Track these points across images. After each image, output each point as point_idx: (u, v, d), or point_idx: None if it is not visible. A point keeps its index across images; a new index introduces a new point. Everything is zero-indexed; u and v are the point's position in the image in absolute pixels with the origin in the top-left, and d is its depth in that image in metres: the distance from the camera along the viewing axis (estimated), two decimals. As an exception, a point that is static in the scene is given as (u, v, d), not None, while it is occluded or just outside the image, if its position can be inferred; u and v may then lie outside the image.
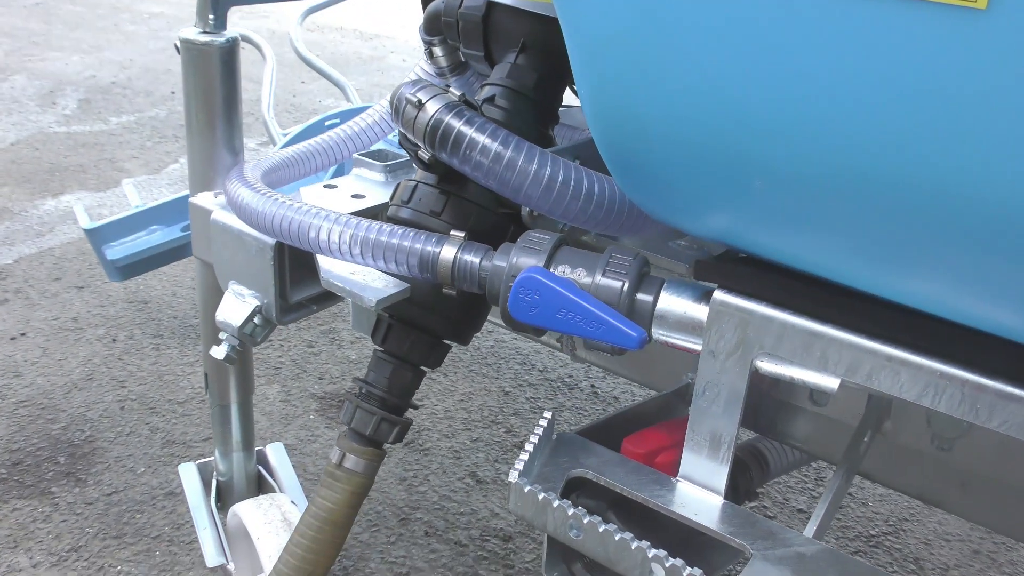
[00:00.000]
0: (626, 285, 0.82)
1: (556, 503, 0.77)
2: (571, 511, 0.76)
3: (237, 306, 1.10)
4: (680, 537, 0.86)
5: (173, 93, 4.24)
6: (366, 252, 0.92)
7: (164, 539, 1.59)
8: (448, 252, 0.89)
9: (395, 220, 1.02)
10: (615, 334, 0.76)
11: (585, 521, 0.75)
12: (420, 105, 0.87)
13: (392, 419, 1.03)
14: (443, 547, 1.65)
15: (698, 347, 0.82)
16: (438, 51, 1.19)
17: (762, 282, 0.77)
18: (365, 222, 0.93)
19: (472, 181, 0.91)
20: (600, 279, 0.82)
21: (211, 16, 1.10)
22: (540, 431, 0.86)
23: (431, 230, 0.98)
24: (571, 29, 0.72)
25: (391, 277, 0.97)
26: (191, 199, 1.18)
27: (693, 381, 1.17)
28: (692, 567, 0.72)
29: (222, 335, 1.13)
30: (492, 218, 0.99)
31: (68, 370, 2.08)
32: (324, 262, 0.99)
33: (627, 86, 0.70)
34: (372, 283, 0.96)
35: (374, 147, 1.30)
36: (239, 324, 1.09)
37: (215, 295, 1.24)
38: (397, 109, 0.89)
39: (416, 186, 1.00)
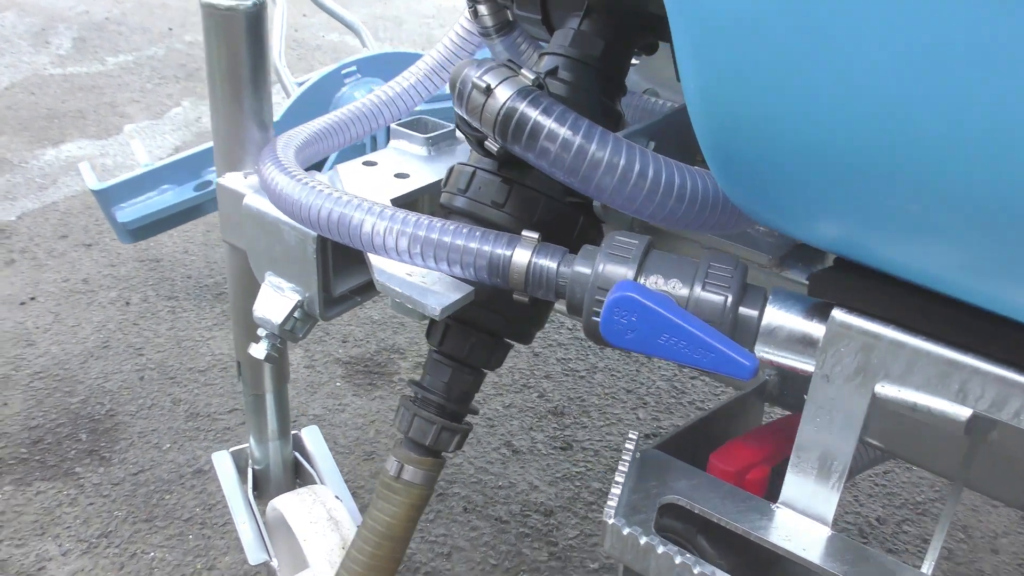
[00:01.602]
0: (729, 300, 0.72)
1: (661, 549, 0.69)
2: (678, 559, 0.69)
3: (277, 301, 1.01)
4: (767, 555, 0.79)
5: (171, 29, 4.05)
6: (427, 254, 0.82)
7: (196, 521, 1.54)
8: (522, 256, 0.80)
9: (450, 210, 0.92)
10: (725, 363, 0.67)
11: (696, 572, 0.68)
12: (489, 91, 0.76)
13: (453, 427, 0.95)
14: (483, 524, 1.60)
15: (808, 368, 0.73)
16: (483, 10, 1.07)
17: (891, 302, 0.67)
18: (424, 220, 0.83)
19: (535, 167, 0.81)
20: (700, 293, 0.73)
21: (236, -23, 0.98)
22: (627, 459, 0.78)
23: (493, 223, 0.89)
24: (683, 16, 0.61)
25: (451, 277, 0.87)
26: (219, 180, 1.08)
27: (771, 379, 1.09)
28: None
29: (261, 332, 1.04)
30: (559, 208, 0.89)
31: (82, 337, 2.00)
32: (376, 261, 0.89)
33: (752, 84, 0.60)
34: (432, 286, 0.86)
35: (412, 116, 1.19)
36: (280, 321, 1.00)
37: (247, 280, 1.15)
38: (461, 94, 0.78)
39: (474, 173, 0.90)
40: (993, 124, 0.51)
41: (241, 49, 1.00)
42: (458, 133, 1.18)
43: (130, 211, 1.91)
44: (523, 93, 0.76)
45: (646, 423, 1.88)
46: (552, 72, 0.91)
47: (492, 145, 0.79)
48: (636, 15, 0.92)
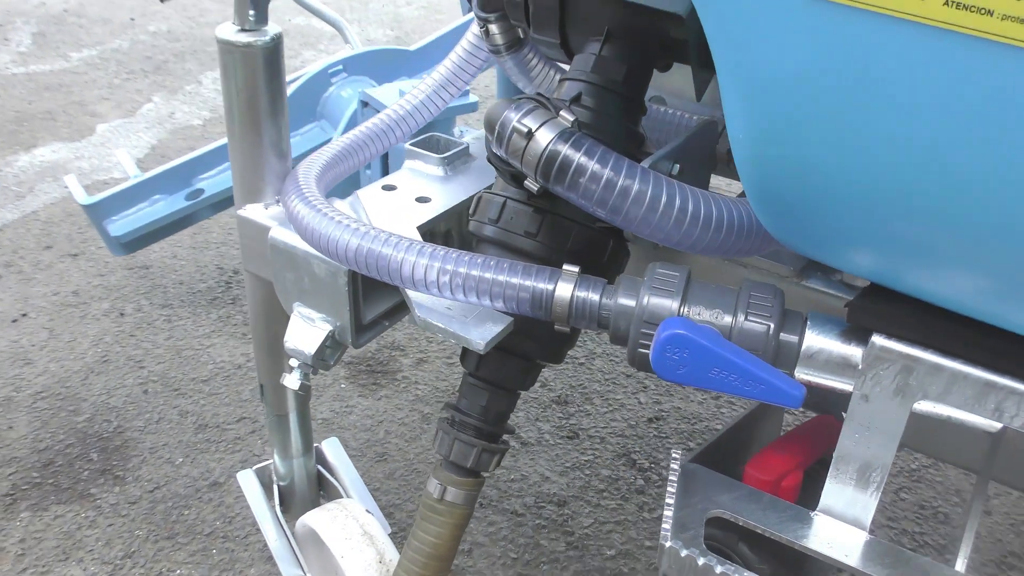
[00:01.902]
0: (772, 328, 0.76)
1: (719, 569, 0.73)
2: (735, 579, 0.73)
3: (308, 332, 1.03)
4: (800, 555, 0.84)
5: (133, 20, 3.96)
6: (469, 290, 0.84)
7: (218, 535, 1.56)
8: (564, 290, 0.82)
9: (480, 238, 0.94)
10: (775, 394, 0.71)
11: (753, 592, 0.72)
12: (530, 135, 0.78)
13: (492, 448, 0.98)
14: (500, 518, 1.63)
15: (848, 388, 0.77)
16: (495, 28, 1.07)
17: (927, 328, 0.71)
18: (464, 256, 0.85)
19: None
20: (744, 323, 0.76)
21: (251, 12, 0.98)
22: (675, 479, 0.82)
23: (525, 252, 0.91)
24: (734, 76, 0.64)
25: (483, 305, 0.89)
26: (239, 212, 1.08)
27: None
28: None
29: (293, 362, 1.05)
30: (590, 235, 0.92)
31: (80, 352, 1.99)
32: (415, 296, 0.91)
33: (797, 136, 0.63)
34: (471, 319, 0.88)
35: (425, 135, 1.20)
36: (313, 352, 1.02)
37: (269, 307, 1.16)
38: (501, 136, 0.80)
39: (505, 203, 0.91)
40: (1008, 172, 0.55)
41: (259, 83, 1.01)
42: (472, 151, 1.19)
43: (122, 224, 1.90)
44: (564, 136, 0.78)
45: (647, 407, 1.93)
46: (576, 99, 0.92)
47: (532, 185, 0.81)
48: (656, 39, 0.93)
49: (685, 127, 1.13)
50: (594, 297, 0.82)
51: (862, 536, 0.81)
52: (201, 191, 1.93)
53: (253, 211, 1.07)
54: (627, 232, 0.91)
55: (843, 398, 0.78)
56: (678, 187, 0.77)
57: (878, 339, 0.73)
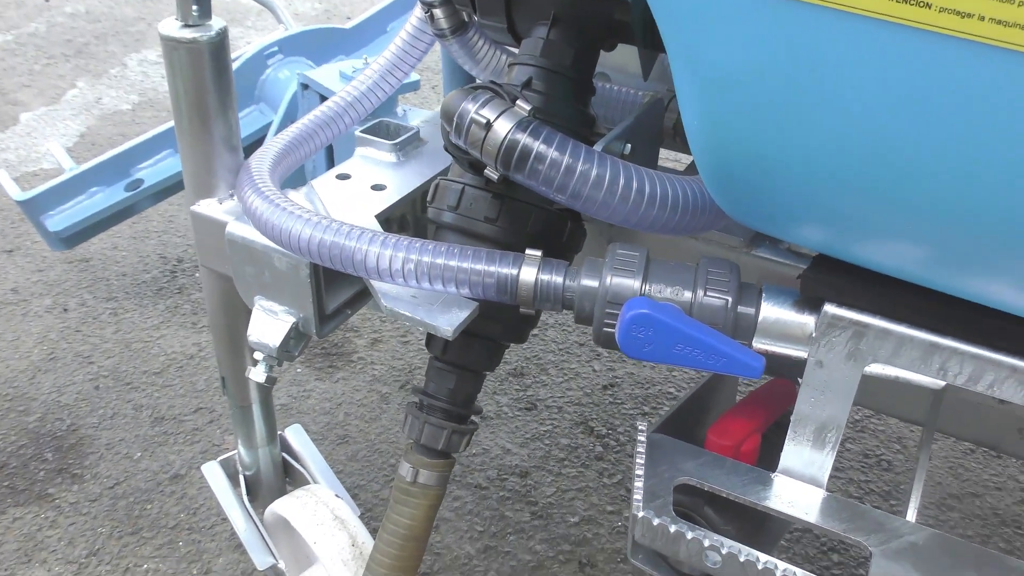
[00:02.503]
0: (730, 302, 0.79)
1: (690, 535, 0.77)
2: (707, 541, 0.76)
3: (271, 325, 1.03)
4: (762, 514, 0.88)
5: (47, 0, 3.81)
6: (435, 278, 0.86)
7: (183, 527, 1.55)
8: (528, 274, 0.84)
9: (439, 225, 0.96)
10: (737, 366, 0.74)
11: (724, 552, 0.76)
12: (489, 125, 0.79)
13: (462, 429, 1.00)
14: (464, 492, 1.66)
15: (802, 354, 0.81)
16: (439, 13, 1.08)
17: (876, 296, 0.75)
18: (429, 245, 0.86)
19: None
20: (703, 298, 0.79)
21: (195, 7, 0.96)
22: (642, 451, 0.85)
23: (485, 237, 0.92)
24: (689, 71, 0.66)
25: (449, 292, 0.91)
26: (193, 208, 1.07)
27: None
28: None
29: (258, 355, 1.05)
30: (549, 217, 0.94)
31: (25, 351, 1.94)
32: (380, 286, 0.92)
33: (750, 125, 0.65)
34: (437, 306, 0.90)
35: (374, 121, 1.20)
36: (278, 344, 1.02)
37: (227, 301, 1.16)
38: (460, 127, 0.81)
39: (464, 190, 0.93)
40: (939, 148, 0.59)
41: (207, 79, 0.99)
42: (423, 135, 1.19)
43: (60, 219, 1.86)
44: (522, 125, 0.79)
45: (602, 374, 1.97)
46: (527, 83, 0.94)
47: (492, 173, 0.82)
48: (602, 21, 0.95)
49: (631, 104, 1.15)
50: (558, 280, 0.84)
51: (820, 494, 0.85)
52: (140, 181, 1.89)
53: (207, 207, 1.06)
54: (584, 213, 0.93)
55: (797, 365, 0.82)
56: (635, 170, 0.80)
57: (830, 308, 0.77)
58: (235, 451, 1.37)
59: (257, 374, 1.06)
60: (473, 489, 1.67)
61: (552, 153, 0.78)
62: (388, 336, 2.06)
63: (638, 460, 0.84)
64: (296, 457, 1.41)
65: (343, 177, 1.10)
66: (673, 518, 0.79)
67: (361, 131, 1.17)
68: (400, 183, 1.10)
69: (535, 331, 2.10)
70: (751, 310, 0.80)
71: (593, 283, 0.82)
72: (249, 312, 1.20)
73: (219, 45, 0.99)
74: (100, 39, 3.50)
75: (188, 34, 0.97)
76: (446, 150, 0.91)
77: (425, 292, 0.92)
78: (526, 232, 0.92)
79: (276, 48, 1.99)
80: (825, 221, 0.71)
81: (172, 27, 0.97)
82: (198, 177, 1.07)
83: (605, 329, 0.81)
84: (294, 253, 0.93)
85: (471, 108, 0.80)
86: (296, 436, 1.43)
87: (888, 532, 0.82)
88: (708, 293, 0.79)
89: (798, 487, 0.86)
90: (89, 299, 2.12)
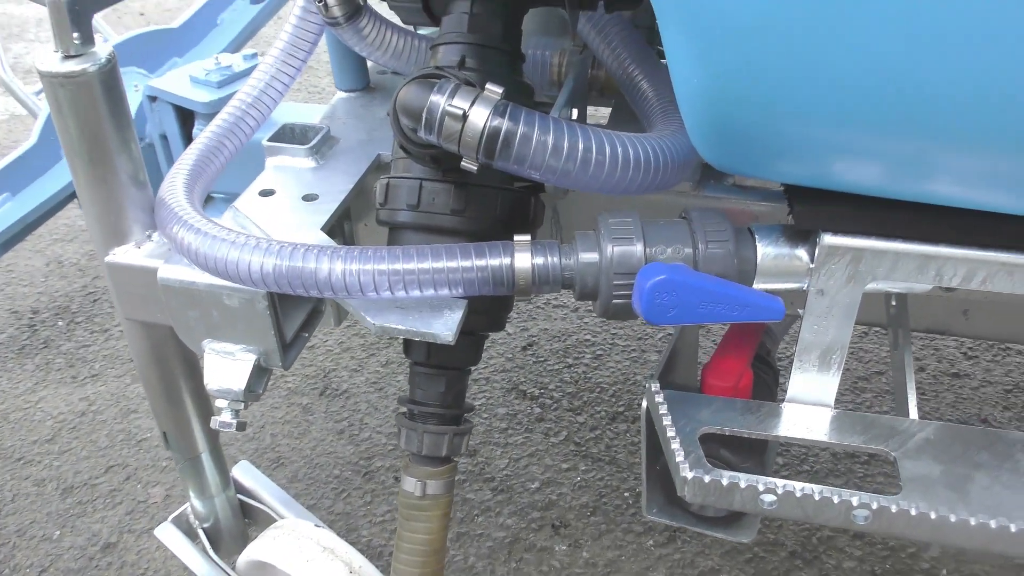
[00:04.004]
0: (731, 250, 0.80)
1: (744, 484, 0.78)
2: (761, 486, 0.78)
3: (230, 367, 0.94)
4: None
5: None
6: (425, 285, 0.81)
7: (135, 598, 1.43)
8: (523, 260, 0.81)
9: (394, 226, 0.91)
10: (761, 312, 0.75)
11: (780, 492, 0.77)
12: (464, 116, 0.75)
13: (461, 430, 0.96)
14: (419, 486, 1.62)
15: (801, 287, 0.83)
16: (332, 1, 1.00)
17: (868, 219, 0.78)
18: (405, 251, 0.81)
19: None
20: (707, 251, 0.79)
21: (75, 34, 0.84)
22: (665, 411, 0.85)
23: (452, 230, 0.88)
24: (682, 28, 0.64)
25: (440, 295, 0.86)
26: (107, 259, 0.96)
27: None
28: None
29: (220, 403, 0.97)
30: (514, 197, 0.91)
31: None
32: (359, 304, 0.86)
33: (744, 77, 0.66)
34: (425, 311, 0.85)
35: (277, 128, 1.10)
36: (243, 387, 0.94)
37: (159, 351, 1.06)
38: (429, 123, 0.76)
39: (421, 185, 0.88)
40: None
41: (101, 114, 0.88)
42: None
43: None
44: (499, 111, 0.75)
45: (517, 336, 1.97)
46: (461, 63, 0.89)
47: (471, 164, 0.77)
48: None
49: (542, 64, 1.13)
50: (554, 260, 0.81)
51: (830, 413, 0.89)
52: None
53: (125, 254, 0.96)
54: (550, 188, 0.91)
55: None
56: (616, 137, 0.78)
57: (827, 237, 0.79)
58: (185, 505, 1.27)
59: (224, 422, 0.97)
60: (427, 480, 1.63)
61: (537, 135, 0.75)
62: (292, 345, 1.95)
63: (665, 422, 0.84)
64: (253, 496, 1.32)
65: (267, 193, 1.02)
66: (717, 472, 0.80)
67: (268, 140, 1.08)
68: (331, 189, 1.02)
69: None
70: (750, 253, 0.81)
71: (593, 256, 0.80)
72: (184, 359, 1.10)
73: (110, 73, 0.88)
74: None
75: (73, 66, 0.85)
76: (402, 148, 0.85)
77: (405, 299, 0.87)
78: (495, 217, 0.89)
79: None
80: (827, 153, 0.73)
81: (52, 61, 0.85)
82: (106, 223, 0.95)
83: (615, 301, 0.80)
84: (247, 285, 0.85)
85: (440, 100, 0.75)
86: (246, 473, 1.34)
87: (902, 435, 0.86)
88: (710, 246, 0.79)
89: (810, 412, 0.89)
90: (-59, 376, 1.88)
